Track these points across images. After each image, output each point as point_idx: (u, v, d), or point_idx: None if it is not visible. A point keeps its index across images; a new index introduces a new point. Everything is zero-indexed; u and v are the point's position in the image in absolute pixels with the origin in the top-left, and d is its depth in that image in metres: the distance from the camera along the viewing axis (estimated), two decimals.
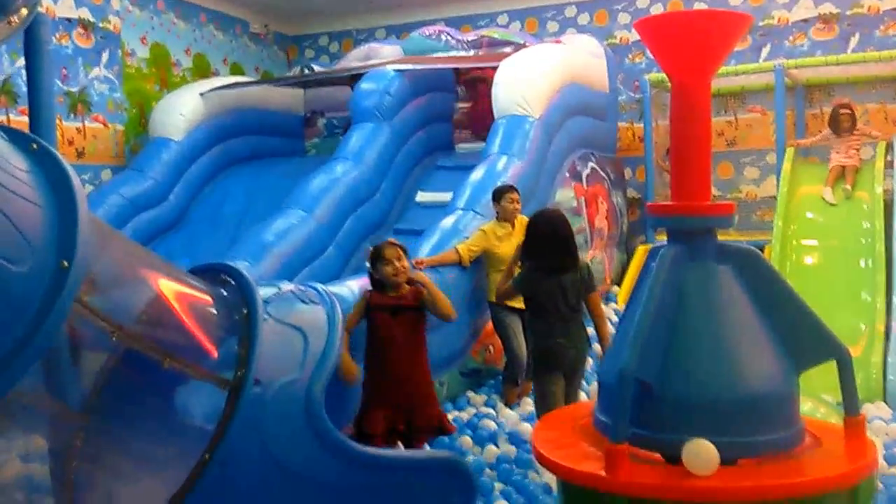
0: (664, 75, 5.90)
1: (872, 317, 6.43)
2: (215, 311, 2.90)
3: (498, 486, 4.23)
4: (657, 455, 2.61)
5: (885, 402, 5.57)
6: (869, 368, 5.86)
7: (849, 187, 7.65)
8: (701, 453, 2.40)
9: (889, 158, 7.82)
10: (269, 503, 2.78)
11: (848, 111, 8.04)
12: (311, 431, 2.80)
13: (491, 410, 5.59)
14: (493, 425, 5.17)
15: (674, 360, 2.58)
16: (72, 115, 8.48)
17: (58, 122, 8.03)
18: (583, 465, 2.56)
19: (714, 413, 2.51)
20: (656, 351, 2.57)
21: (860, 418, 2.71)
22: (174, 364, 2.47)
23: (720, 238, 2.82)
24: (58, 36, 8.33)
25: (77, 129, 8.54)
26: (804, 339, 2.67)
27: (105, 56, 8.92)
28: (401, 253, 4.55)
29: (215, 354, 2.71)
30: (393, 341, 4.40)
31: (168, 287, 2.73)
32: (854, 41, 9.04)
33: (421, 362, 4.49)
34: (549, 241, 4.33)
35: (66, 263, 2.03)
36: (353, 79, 8.41)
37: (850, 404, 2.71)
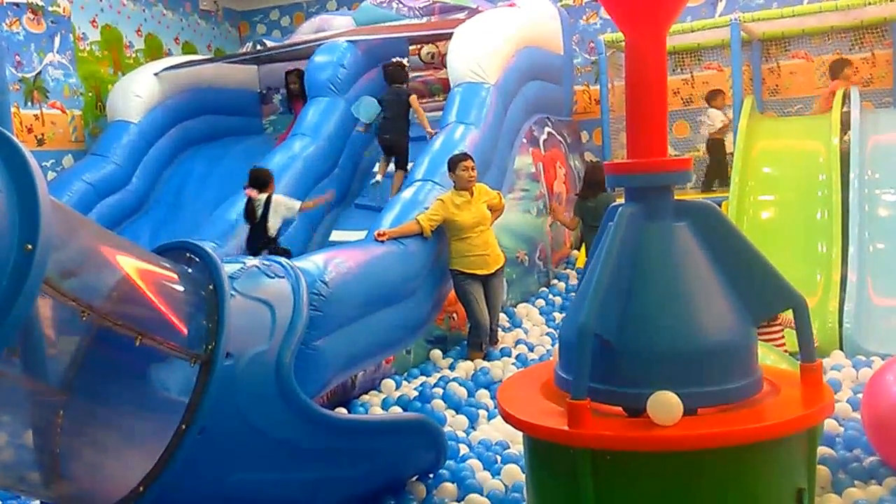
0: (619, 35, 5.89)
1: (829, 267, 6.45)
2: (182, 289, 2.93)
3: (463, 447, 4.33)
4: (618, 409, 2.65)
5: (842, 349, 5.61)
6: (825, 317, 5.90)
7: None
8: (666, 404, 2.43)
9: (845, 109, 7.73)
10: (246, 467, 2.85)
11: None
12: (282, 397, 2.87)
13: (458, 374, 5.66)
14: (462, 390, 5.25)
15: (633, 316, 2.59)
16: (28, 103, 8.38)
17: (15, 109, 7.96)
18: (547, 420, 2.59)
19: (673, 365, 2.53)
20: (615, 307, 2.58)
21: (816, 365, 2.74)
22: (146, 341, 2.51)
23: (679, 197, 2.82)
24: (8, 22, 8.19)
25: (35, 116, 8.44)
26: (761, 290, 2.68)
27: (57, 41, 8.80)
28: None
29: (185, 331, 2.75)
30: None
31: (135, 267, 2.76)
32: None
33: None
34: (584, 180, 7.52)
35: (30, 246, 2.05)
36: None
37: (806, 351, 2.75)
